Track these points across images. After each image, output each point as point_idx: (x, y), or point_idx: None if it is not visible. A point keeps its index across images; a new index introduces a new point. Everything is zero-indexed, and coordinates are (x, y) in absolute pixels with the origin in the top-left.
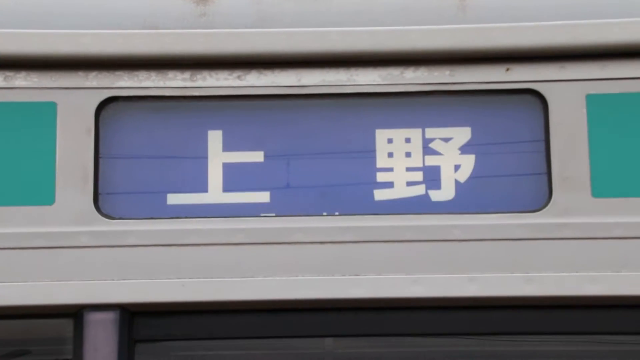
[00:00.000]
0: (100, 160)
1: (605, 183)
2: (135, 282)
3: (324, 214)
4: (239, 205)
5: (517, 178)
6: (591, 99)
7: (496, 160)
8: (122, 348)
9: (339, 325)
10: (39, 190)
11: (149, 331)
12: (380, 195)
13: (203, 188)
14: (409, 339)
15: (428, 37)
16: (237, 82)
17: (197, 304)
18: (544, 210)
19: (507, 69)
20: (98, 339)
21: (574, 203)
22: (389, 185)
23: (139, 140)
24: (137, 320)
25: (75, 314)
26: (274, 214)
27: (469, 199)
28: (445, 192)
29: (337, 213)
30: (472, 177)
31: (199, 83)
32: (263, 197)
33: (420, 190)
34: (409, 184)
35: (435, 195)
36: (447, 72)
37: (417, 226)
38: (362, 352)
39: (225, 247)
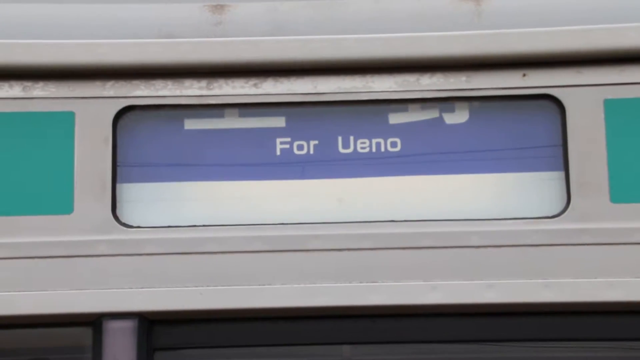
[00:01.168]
0: (118, 169)
1: (624, 188)
2: (154, 290)
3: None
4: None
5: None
6: (609, 104)
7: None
8: (141, 356)
9: (356, 332)
10: (57, 199)
11: (167, 339)
12: (394, 119)
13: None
14: (427, 346)
15: (444, 43)
16: (254, 90)
17: (215, 312)
18: (562, 215)
19: (524, 75)
20: (117, 347)
21: (592, 208)
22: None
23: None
24: (156, 329)
25: (94, 322)
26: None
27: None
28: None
29: (351, 139)
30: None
31: (216, 91)
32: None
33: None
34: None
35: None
36: (464, 78)
37: (435, 233)
38: (380, 359)
39: (242, 254)
